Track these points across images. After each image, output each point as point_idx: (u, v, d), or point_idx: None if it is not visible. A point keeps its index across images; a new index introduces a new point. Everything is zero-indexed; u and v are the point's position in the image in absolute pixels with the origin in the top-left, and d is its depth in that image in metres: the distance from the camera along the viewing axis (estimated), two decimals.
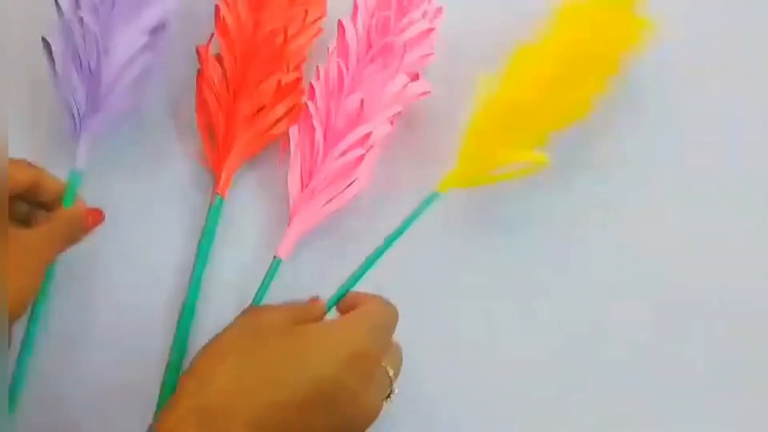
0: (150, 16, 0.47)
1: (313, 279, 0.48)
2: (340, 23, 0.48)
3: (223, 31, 0.49)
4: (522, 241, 0.50)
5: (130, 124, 0.50)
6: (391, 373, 0.40)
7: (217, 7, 0.49)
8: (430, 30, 0.49)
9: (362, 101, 0.47)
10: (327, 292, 0.45)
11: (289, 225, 0.47)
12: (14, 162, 0.42)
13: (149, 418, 0.44)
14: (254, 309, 0.43)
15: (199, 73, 0.49)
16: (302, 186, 0.47)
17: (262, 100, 0.48)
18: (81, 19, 0.46)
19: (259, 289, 0.46)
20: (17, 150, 0.42)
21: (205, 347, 0.39)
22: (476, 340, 0.48)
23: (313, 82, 0.48)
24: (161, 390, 0.45)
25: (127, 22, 0.47)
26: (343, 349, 0.38)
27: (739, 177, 0.52)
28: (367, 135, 0.47)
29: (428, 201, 0.47)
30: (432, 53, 0.49)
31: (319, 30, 0.50)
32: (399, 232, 0.46)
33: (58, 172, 0.44)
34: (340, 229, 0.49)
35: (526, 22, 0.48)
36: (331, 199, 0.47)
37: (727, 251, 0.50)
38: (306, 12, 0.49)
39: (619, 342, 0.48)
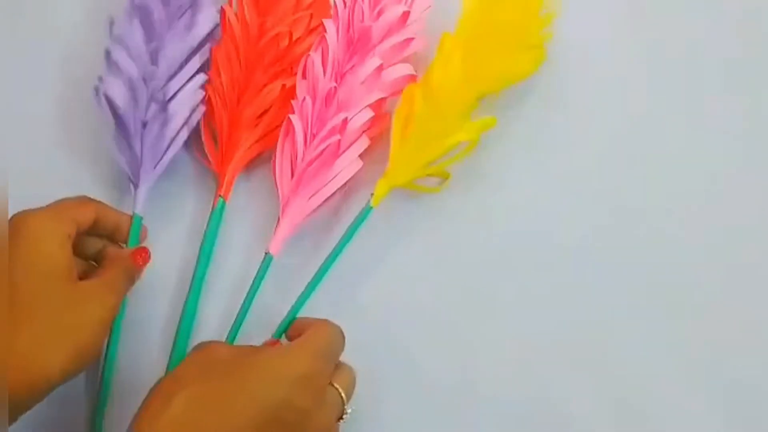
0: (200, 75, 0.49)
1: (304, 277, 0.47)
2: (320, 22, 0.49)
3: (228, 35, 0.49)
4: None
5: None
6: (342, 393, 0.41)
7: (222, 11, 0.49)
8: (406, 14, 0.48)
9: (335, 89, 0.47)
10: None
11: (279, 220, 0.47)
12: (77, 199, 0.43)
13: None
14: (203, 344, 0.42)
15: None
16: (291, 179, 0.48)
17: (265, 104, 0.49)
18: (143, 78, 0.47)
19: (251, 287, 0.46)
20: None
21: (156, 386, 0.39)
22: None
23: (297, 81, 0.49)
24: None
25: (182, 79, 0.49)
26: (290, 371, 0.39)
27: None
28: (344, 121, 0.47)
29: (362, 217, 0.47)
30: (413, 37, 0.49)
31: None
32: (336, 254, 0.47)
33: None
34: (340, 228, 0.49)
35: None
36: (317, 191, 0.47)
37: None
38: (311, 16, 0.49)
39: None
